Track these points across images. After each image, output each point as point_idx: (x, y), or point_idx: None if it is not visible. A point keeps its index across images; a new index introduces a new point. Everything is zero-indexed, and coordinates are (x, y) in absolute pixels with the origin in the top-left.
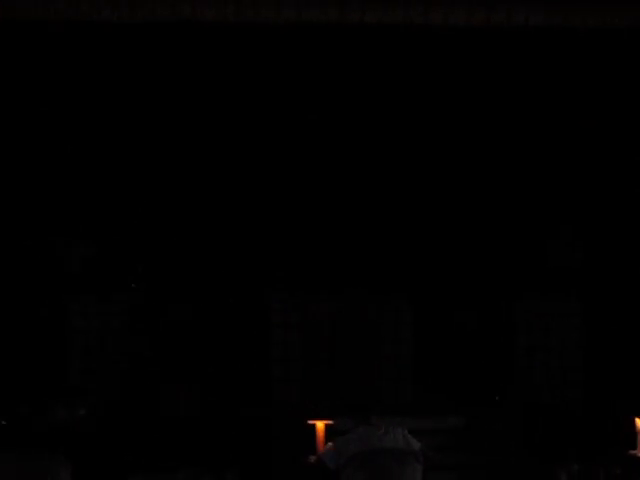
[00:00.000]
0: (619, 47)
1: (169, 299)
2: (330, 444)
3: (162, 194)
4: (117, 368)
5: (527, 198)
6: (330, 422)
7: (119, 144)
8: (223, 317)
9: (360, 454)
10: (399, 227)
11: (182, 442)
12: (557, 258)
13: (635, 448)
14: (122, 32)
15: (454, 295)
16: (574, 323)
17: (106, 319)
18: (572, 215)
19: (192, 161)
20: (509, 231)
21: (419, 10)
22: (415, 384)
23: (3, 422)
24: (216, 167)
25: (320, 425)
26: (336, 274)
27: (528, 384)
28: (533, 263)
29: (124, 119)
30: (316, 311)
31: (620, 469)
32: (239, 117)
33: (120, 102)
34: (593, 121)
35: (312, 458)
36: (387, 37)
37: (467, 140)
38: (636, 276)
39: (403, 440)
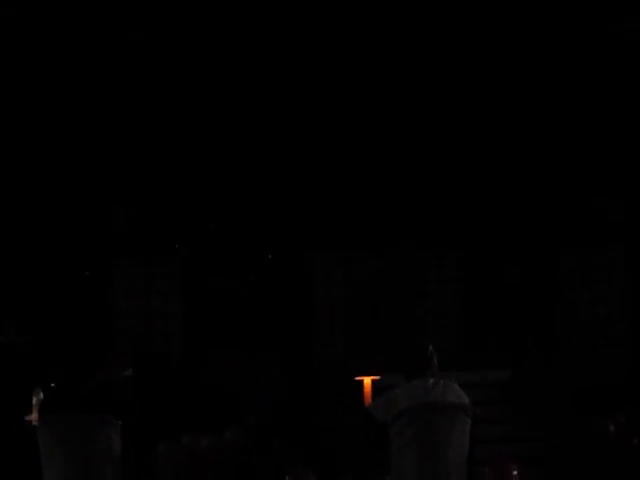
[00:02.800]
0: None
1: (213, 262)
2: (379, 399)
3: (202, 157)
4: (163, 330)
5: (571, 150)
6: (377, 378)
7: (154, 110)
8: (266, 277)
9: (409, 409)
10: (444, 182)
11: (228, 403)
12: (600, 210)
13: None
14: None
15: (498, 249)
16: (618, 275)
17: (150, 281)
18: (614, 166)
19: (234, 124)
20: (552, 184)
21: None
22: (461, 338)
23: (52, 384)
24: (257, 128)
25: (367, 381)
26: (379, 230)
27: (573, 336)
28: (576, 216)
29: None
30: (359, 268)
31: None
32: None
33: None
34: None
35: (360, 414)
36: None
37: (511, 95)
38: None
39: (453, 394)
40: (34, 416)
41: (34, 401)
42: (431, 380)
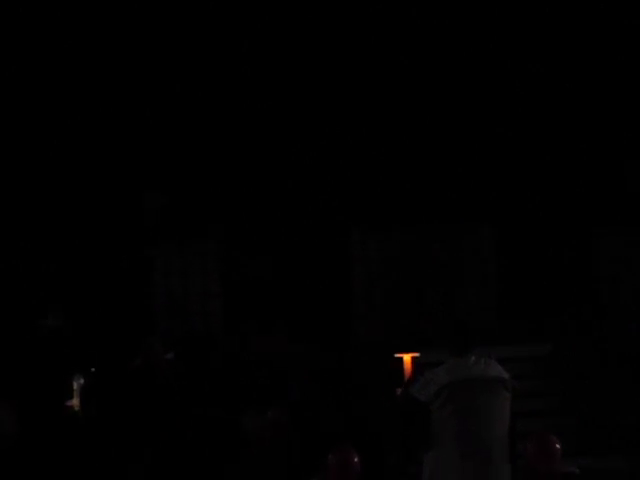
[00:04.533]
0: None
1: (250, 238)
2: (420, 378)
3: (234, 137)
4: (203, 310)
5: (606, 126)
6: (417, 355)
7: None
8: (304, 255)
9: (450, 384)
10: (480, 156)
11: (270, 383)
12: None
13: None
14: None
15: (536, 224)
16: None
17: (188, 263)
18: None
19: (265, 111)
20: (589, 159)
21: None
22: (500, 312)
23: (92, 369)
24: (286, 107)
25: (407, 358)
26: (415, 205)
27: (611, 311)
28: (613, 191)
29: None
30: (396, 244)
31: None
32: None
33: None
34: None
35: (400, 390)
36: None
37: (544, 67)
38: None
39: (492, 369)
40: (75, 401)
41: (75, 386)
42: (473, 357)
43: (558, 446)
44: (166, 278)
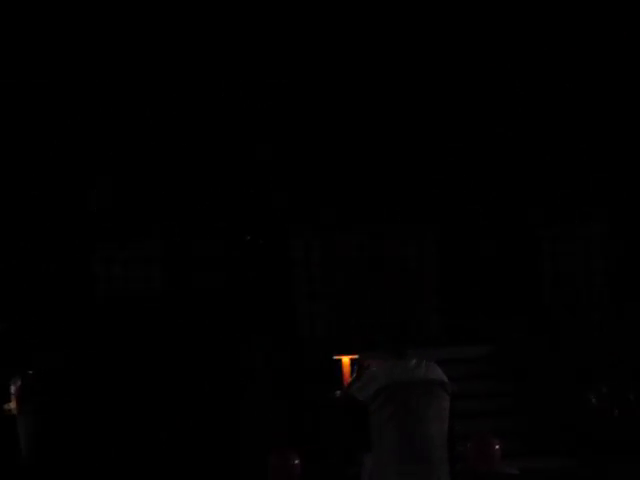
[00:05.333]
0: None
1: (191, 240)
2: (358, 379)
3: (184, 136)
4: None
5: (554, 125)
6: (356, 356)
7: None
8: (246, 255)
9: (388, 386)
10: (423, 156)
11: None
12: (579, 181)
13: None
14: None
15: (477, 222)
16: (597, 247)
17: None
18: (597, 140)
19: (218, 102)
20: (530, 157)
21: None
22: (442, 313)
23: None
24: (240, 105)
25: (346, 360)
26: (358, 207)
27: (554, 309)
28: (555, 189)
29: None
30: (339, 246)
31: None
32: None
33: None
34: None
35: (339, 392)
36: None
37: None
38: None
39: (432, 372)
40: (12, 404)
41: (12, 389)
42: (414, 360)
43: (497, 447)
44: (108, 281)
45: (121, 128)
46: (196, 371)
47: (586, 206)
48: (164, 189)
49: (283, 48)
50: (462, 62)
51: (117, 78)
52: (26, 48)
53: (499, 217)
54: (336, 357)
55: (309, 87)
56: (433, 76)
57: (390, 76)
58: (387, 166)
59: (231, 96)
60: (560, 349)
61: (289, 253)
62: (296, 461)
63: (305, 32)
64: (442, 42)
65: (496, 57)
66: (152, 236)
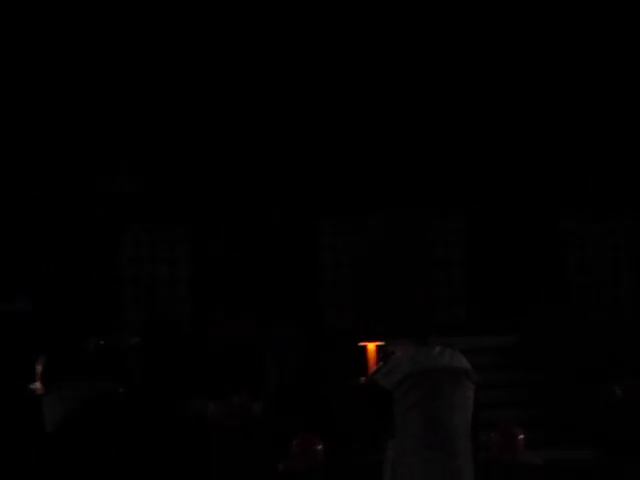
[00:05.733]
0: None
1: (219, 224)
2: (384, 365)
3: (210, 124)
4: (171, 296)
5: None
6: (381, 343)
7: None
8: (273, 242)
9: (413, 374)
10: (450, 144)
11: (237, 369)
12: (606, 174)
13: None
14: None
15: (506, 214)
16: (622, 240)
17: (156, 249)
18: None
19: (241, 95)
20: (558, 148)
21: None
22: (467, 303)
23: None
24: (262, 99)
25: (371, 346)
26: (385, 195)
27: (579, 301)
28: (580, 182)
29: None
30: (366, 233)
31: None
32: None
33: None
34: None
35: (363, 379)
36: None
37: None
38: None
39: (456, 360)
40: (38, 385)
41: (38, 369)
42: (437, 347)
43: (521, 437)
44: (134, 263)
45: (152, 116)
46: (222, 359)
47: (612, 198)
48: (193, 176)
49: (303, 43)
50: (487, 54)
51: (150, 65)
52: (56, 34)
53: (525, 206)
54: (361, 344)
55: (339, 77)
56: (454, 69)
57: (414, 65)
58: (416, 153)
59: (258, 87)
60: (585, 340)
61: (317, 239)
62: (319, 446)
63: (318, 27)
64: (458, 35)
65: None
66: (181, 222)
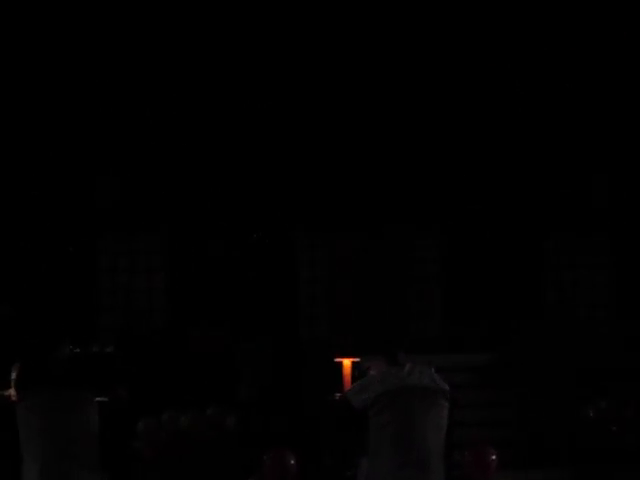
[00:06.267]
0: None
1: (196, 235)
2: (355, 384)
3: (189, 132)
4: (143, 306)
5: (558, 134)
6: (357, 360)
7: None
8: (250, 255)
9: (386, 392)
10: (427, 163)
11: (210, 380)
12: (585, 197)
13: None
14: None
15: (481, 231)
16: (602, 260)
17: (133, 258)
18: (601, 153)
19: (224, 103)
20: (540, 165)
21: None
22: (443, 321)
23: (24, 359)
24: (246, 108)
25: (347, 363)
26: (363, 210)
27: (556, 319)
28: (561, 201)
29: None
30: (343, 248)
31: None
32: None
33: None
34: None
35: (338, 395)
36: None
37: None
38: None
39: (429, 379)
40: (12, 391)
41: (12, 376)
42: (407, 365)
43: (494, 457)
44: (111, 273)
45: (130, 124)
46: (196, 370)
47: (590, 216)
48: (170, 186)
49: (292, 49)
50: (469, 67)
51: (129, 75)
52: (37, 43)
53: (503, 223)
54: (337, 359)
55: (317, 89)
56: (438, 80)
57: (394, 79)
58: (392, 170)
59: (238, 96)
60: (562, 358)
61: (294, 253)
62: (292, 461)
63: (315, 31)
64: (448, 45)
65: (508, 61)
66: (157, 231)
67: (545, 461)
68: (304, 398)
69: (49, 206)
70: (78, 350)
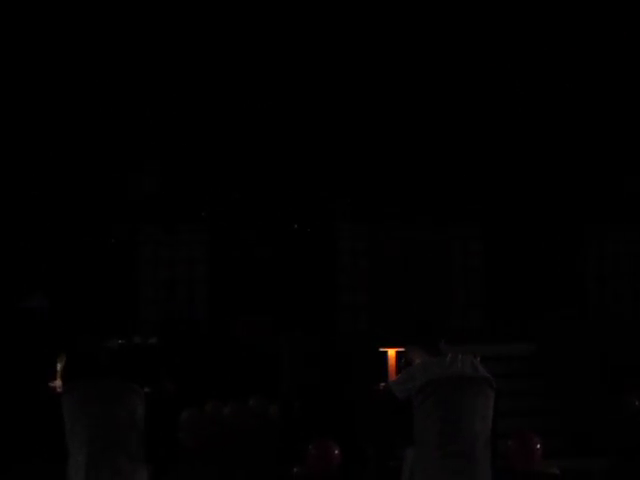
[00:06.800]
0: None
1: (237, 226)
2: (399, 375)
3: (230, 124)
4: (185, 298)
5: (599, 125)
6: (402, 349)
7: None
8: (291, 245)
9: (430, 382)
10: (470, 154)
11: (253, 370)
12: (628, 186)
13: None
14: None
15: (525, 222)
16: None
17: (174, 249)
18: None
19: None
20: (580, 157)
21: None
22: (486, 311)
23: (72, 351)
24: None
25: (392, 353)
26: (407, 202)
27: (599, 310)
28: (604, 191)
29: None
30: (386, 239)
31: None
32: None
33: None
34: None
35: (382, 385)
36: None
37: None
38: None
39: (472, 368)
40: (58, 382)
41: (58, 367)
42: (449, 355)
43: (539, 446)
44: (153, 264)
45: (170, 115)
46: (239, 360)
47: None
48: (211, 176)
49: (317, 39)
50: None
51: (170, 65)
52: (65, 31)
53: (544, 215)
54: (382, 349)
55: (353, 79)
56: (471, 68)
57: (423, 68)
58: (435, 161)
59: (280, 92)
60: (602, 349)
61: (335, 244)
62: (336, 451)
63: (332, 21)
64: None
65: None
66: (198, 222)
67: (588, 450)
68: (348, 388)
69: (91, 198)
70: (123, 342)
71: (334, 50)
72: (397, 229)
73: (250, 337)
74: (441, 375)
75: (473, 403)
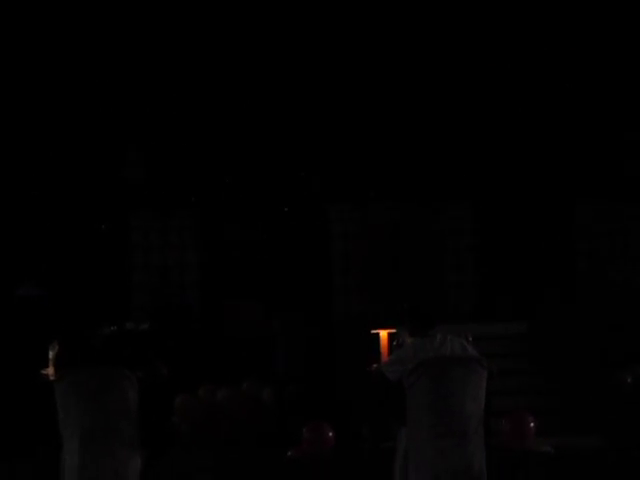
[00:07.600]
0: None
1: (228, 210)
2: (390, 357)
3: (219, 108)
4: (177, 283)
5: (592, 102)
6: (394, 331)
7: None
8: (283, 228)
9: (421, 363)
10: (459, 134)
11: (246, 354)
12: (628, 170)
13: None
14: None
15: (516, 200)
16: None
17: (166, 234)
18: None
19: (253, 77)
20: (569, 132)
21: None
22: (478, 290)
23: (64, 338)
24: (274, 81)
25: (383, 334)
26: (396, 181)
27: (589, 288)
28: (594, 168)
29: None
30: (376, 220)
31: None
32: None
33: None
34: None
35: (374, 367)
36: None
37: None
38: None
39: (461, 348)
40: (50, 370)
41: (50, 355)
42: (438, 336)
43: (532, 425)
44: (144, 250)
45: (161, 100)
46: (232, 344)
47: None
48: (201, 161)
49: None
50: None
51: (158, 54)
52: (66, 27)
53: (535, 193)
54: (374, 331)
55: (353, 67)
56: (462, 60)
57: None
58: (425, 141)
59: (270, 77)
60: (596, 327)
61: (328, 226)
62: (330, 434)
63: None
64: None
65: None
66: (189, 207)
67: (582, 429)
68: (340, 370)
69: (81, 184)
70: (115, 328)
71: (323, 40)
72: (388, 209)
73: (243, 321)
74: (431, 356)
75: (463, 383)
